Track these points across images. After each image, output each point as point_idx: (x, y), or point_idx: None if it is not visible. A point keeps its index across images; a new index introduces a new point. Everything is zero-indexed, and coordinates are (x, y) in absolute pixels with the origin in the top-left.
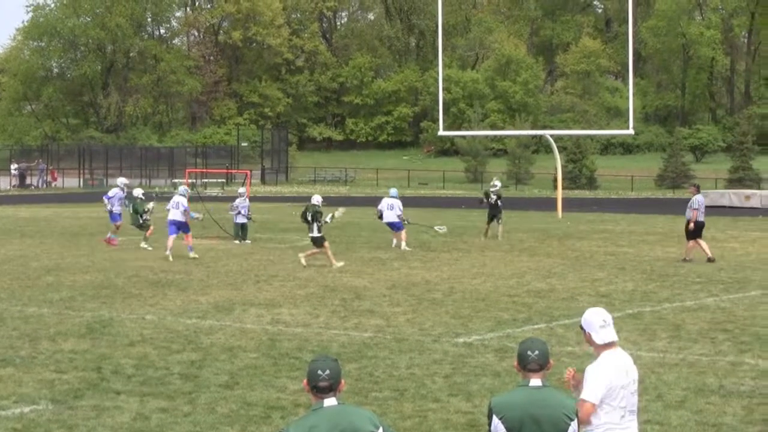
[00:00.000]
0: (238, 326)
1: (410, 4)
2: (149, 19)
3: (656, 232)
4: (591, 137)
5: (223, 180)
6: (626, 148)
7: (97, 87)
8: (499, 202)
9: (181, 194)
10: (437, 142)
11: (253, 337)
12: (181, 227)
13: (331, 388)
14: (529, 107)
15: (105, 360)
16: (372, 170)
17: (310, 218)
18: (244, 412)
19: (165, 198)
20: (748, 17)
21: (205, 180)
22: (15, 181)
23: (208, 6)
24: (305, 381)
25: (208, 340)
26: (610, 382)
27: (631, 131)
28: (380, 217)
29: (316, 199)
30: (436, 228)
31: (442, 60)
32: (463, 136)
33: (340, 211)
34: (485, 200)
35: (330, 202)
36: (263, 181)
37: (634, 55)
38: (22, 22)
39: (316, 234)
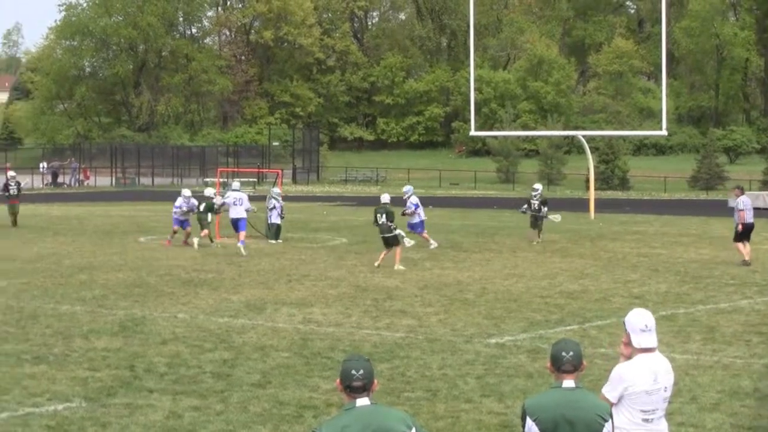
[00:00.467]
0: (270, 325)
1: (442, 4)
2: (181, 19)
3: (689, 234)
4: (623, 138)
5: (255, 179)
6: (659, 149)
7: (129, 86)
8: (543, 208)
9: (235, 189)
10: (469, 142)
11: (285, 336)
12: (240, 223)
13: (365, 388)
14: (561, 108)
15: (138, 358)
16: (403, 170)
17: (384, 218)
18: (276, 411)
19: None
20: None
21: (237, 179)
22: (48, 180)
23: (240, 5)
24: (338, 380)
25: (240, 339)
26: (633, 385)
27: (664, 132)
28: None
29: (386, 198)
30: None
31: (474, 60)
32: (495, 137)
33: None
34: (527, 208)
35: (361, 202)
36: (294, 180)
37: (667, 55)
38: (55, 21)
39: (389, 234)
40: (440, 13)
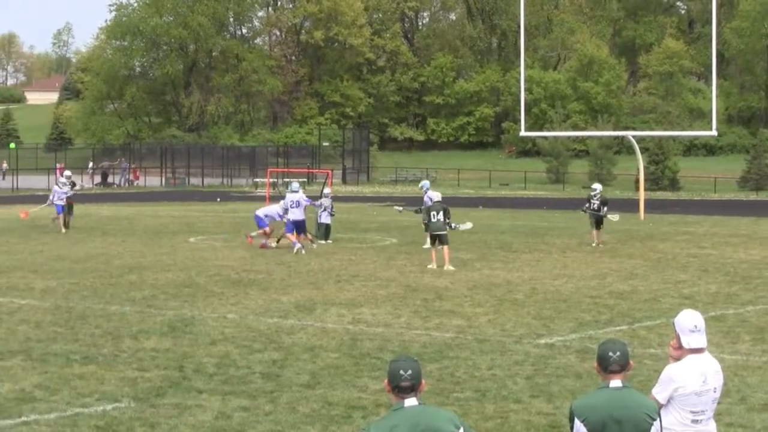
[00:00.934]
0: (320, 326)
1: (492, 5)
2: (231, 19)
3: (739, 234)
4: (673, 138)
5: (305, 180)
6: (709, 149)
7: (179, 86)
8: (603, 208)
9: (294, 190)
10: (519, 142)
11: (335, 336)
12: (299, 226)
13: (413, 389)
14: (611, 108)
15: (187, 358)
16: (453, 171)
17: (441, 215)
18: (325, 412)
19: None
20: None
21: (287, 180)
22: (98, 180)
23: (290, 6)
24: (386, 381)
25: (289, 340)
26: (683, 386)
27: (714, 132)
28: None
29: (438, 196)
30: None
31: (524, 60)
32: (545, 137)
33: (467, 225)
34: (588, 207)
35: (410, 202)
36: (344, 181)
37: (717, 56)
38: (105, 21)
39: (443, 231)
40: (491, 14)
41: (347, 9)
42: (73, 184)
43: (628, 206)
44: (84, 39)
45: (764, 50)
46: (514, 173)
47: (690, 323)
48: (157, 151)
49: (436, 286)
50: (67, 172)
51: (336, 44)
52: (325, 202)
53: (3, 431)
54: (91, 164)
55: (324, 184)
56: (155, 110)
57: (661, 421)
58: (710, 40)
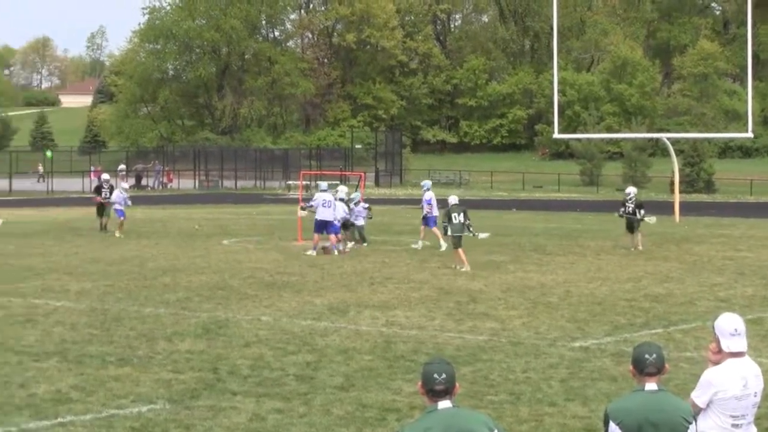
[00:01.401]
0: (353, 328)
1: (525, 6)
2: (263, 22)
3: None
4: (708, 140)
5: (338, 182)
6: (745, 151)
7: (212, 89)
8: (638, 211)
9: (323, 190)
10: (552, 144)
11: (368, 339)
12: (328, 227)
13: (447, 392)
14: (646, 110)
15: (221, 360)
16: (486, 173)
17: (462, 217)
18: (359, 414)
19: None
20: None
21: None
22: (131, 182)
23: (322, 8)
24: (420, 384)
25: (323, 342)
26: (723, 390)
27: (749, 134)
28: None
29: (455, 199)
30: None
31: (557, 62)
32: (579, 139)
33: (485, 234)
34: (624, 211)
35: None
36: (377, 183)
37: (752, 57)
38: (139, 24)
39: (464, 233)
40: (523, 16)
41: (379, 11)
42: (111, 188)
43: (663, 209)
44: (117, 42)
45: None
46: (547, 175)
47: (730, 326)
48: (190, 154)
49: (470, 288)
50: (105, 176)
51: (368, 47)
52: (358, 209)
53: None
54: (121, 166)
55: (356, 187)
56: (188, 113)
57: (697, 424)
58: (746, 42)
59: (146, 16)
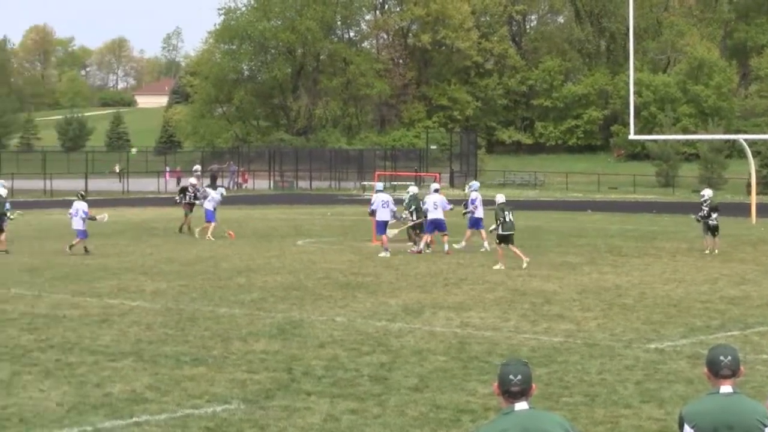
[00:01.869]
0: (428, 329)
1: (601, 7)
2: (339, 23)
3: None
4: None
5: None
6: None
7: (287, 90)
8: (713, 214)
9: (379, 190)
10: (627, 146)
11: (443, 340)
12: (380, 227)
13: (523, 393)
14: (722, 111)
15: (295, 361)
16: (561, 174)
17: (512, 216)
18: (433, 415)
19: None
20: None
21: (394, 183)
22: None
23: (398, 9)
24: (496, 385)
25: (397, 343)
26: None
27: None
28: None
29: (503, 198)
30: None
31: (633, 63)
32: (655, 140)
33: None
34: (700, 216)
35: (518, 206)
36: (452, 184)
37: None
38: (214, 25)
39: (514, 231)
40: (599, 16)
41: (454, 12)
42: (196, 192)
43: (740, 210)
44: (193, 43)
45: None
46: (623, 177)
47: None
48: (265, 155)
49: (544, 290)
50: (192, 180)
51: (443, 47)
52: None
53: (115, 431)
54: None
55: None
56: (263, 114)
57: None
58: None
59: (221, 17)
